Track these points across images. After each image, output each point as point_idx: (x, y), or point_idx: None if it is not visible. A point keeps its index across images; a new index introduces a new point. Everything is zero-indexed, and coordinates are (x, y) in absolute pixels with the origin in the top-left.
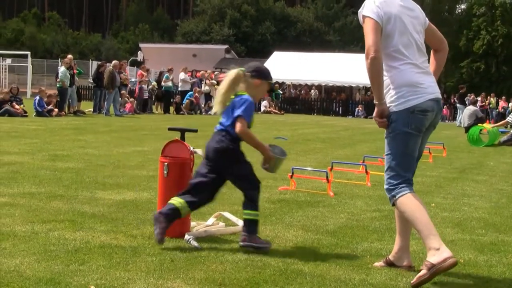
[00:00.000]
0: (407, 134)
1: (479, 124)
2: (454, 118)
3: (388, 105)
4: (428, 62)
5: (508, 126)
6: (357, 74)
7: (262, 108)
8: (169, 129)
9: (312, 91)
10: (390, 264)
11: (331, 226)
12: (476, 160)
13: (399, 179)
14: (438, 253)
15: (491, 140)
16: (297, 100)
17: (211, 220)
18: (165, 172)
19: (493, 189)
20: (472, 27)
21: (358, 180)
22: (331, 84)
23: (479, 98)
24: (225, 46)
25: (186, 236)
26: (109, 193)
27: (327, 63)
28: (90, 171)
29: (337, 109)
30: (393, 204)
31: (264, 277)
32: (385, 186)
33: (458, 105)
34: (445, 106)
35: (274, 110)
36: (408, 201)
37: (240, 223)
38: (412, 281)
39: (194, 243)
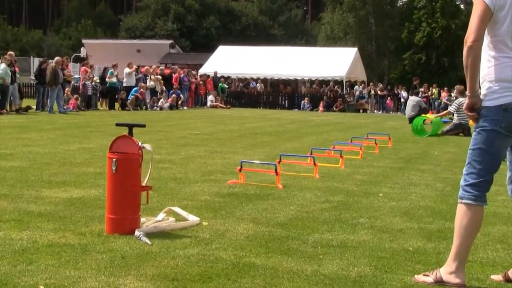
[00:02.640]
0: (495, 133)
1: (422, 115)
2: (398, 109)
3: (481, 98)
4: None
5: (451, 116)
6: (303, 67)
7: (209, 103)
8: (117, 124)
9: (258, 84)
10: (508, 280)
11: (282, 219)
12: (421, 150)
13: (476, 180)
14: (454, 275)
15: (434, 130)
16: (243, 94)
17: (161, 216)
18: (114, 168)
19: (438, 178)
20: (414, 20)
21: (306, 172)
22: (276, 78)
23: (421, 89)
24: (170, 41)
25: (136, 233)
26: (56, 191)
27: (273, 56)
28: (35, 169)
29: (283, 102)
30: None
31: (216, 271)
32: (461, 182)
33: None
34: (388, 97)
35: (220, 105)
36: (469, 214)
37: (191, 217)
38: (414, 278)
39: (145, 239)
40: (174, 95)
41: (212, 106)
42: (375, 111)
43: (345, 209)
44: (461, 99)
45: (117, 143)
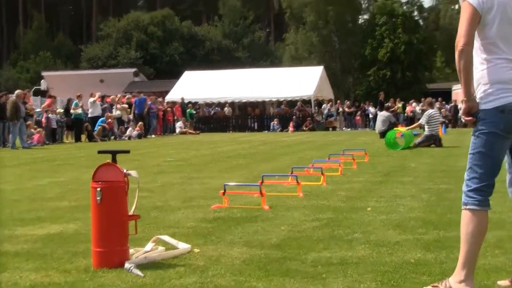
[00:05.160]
0: (494, 135)
1: (394, 128)
2: (366, 125)
3: (478, 101)
4: None
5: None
6: (270, 89)
7: (178, 130)
8: (99, 152)
9: (226, 108)
10: None
11: (275, 240)
12: (398, 163)
13: (479, 184)
14: (464, 283)
15: (407, 143)
16: (212, 118)
17: (149, 245)
18: (98, 198)
19: (421, 189)
20: (376, 36)
21: (289, 191)
22: (244, 100)
23: (388, 103)
24: (133, 69)
25: (127, 265)
26: (31, 229)
27: (239, 79)
28: (4, 207)
29: (252, 124)
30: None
31: None
32: (463, 188)
33: (378, 112)
34: (357, 113)
35: (189, 131)
36: (474, 220)
37: (181, 245)
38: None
39: (137, 271)
40: (141, 123)
41: (182, 133)
42: (344, 128)
43: (336, 226)
44: (430, 111)
45: (101, 171)
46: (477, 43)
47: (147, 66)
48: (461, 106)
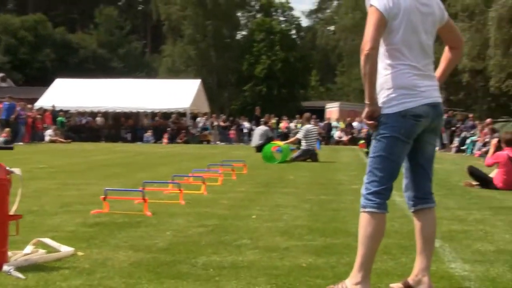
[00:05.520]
0: (395, 139)
1: (271, 142)
2: (241, 140)
3: (380, 106)
4: (434, 63)
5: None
6: (145, 100)
7: (47, 137)
8: None
9: (98, 118)
10: (408, 287)
11: (161, 244)
12: (277, 175)
13: (378, 187)
14: (360, 285)
15: (284, 156)
16: (83, 127)
17: (29, 248)
18: None
19: (302, 200)
20: (254, 52)
21: (170, 199)
22: (118, 110)
23: (263, 119)
24: (1, 74)
25: (5, 267)
26: None
27: (114, 89)
28: None
29: (125, 135)
30: (361, 212)
31: None
32: (362, 191)
33: (253, 127)
34: (231, 127)
35: (60, 139)
36: (372, 222)
37: (63, 248)
38: None
39: (17, 274)
40: (8, 129)
41: (51, 141)
42: (218, 142)
43: (223, 232)
44: (308, 126)
45: None
46: (381, 49)
47: (16, 71)
48: (335, 124)
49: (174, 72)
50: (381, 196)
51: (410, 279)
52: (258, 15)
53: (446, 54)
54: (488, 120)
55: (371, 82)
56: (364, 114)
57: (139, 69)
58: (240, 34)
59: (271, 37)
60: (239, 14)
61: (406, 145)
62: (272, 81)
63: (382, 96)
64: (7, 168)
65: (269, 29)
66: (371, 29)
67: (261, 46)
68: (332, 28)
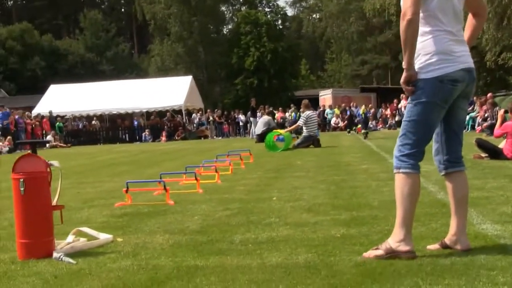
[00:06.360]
0: (432, 104)
1: (273, 131)
2: (237, 133)
3: (416, 71)
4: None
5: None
6: (139, 100)
7: (48, 144)
8: (19, 143)
9: (94, 122)
10: (445, 247)
11: (194, 227)
12: (284, 162)
13: (412, 150)
14: (404, 243)
15: (286, 144)
16: (81, 131)
17: (70, 238)
18: (22, 189)
19: (316, 181)
20: (242, 45)
21: (188, 189)
22: (114, 112)
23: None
24: None
25: (55, 254)
26: None
27: (108, 91)
28: None
29: (123, 136)
30: (395, 173)
31: (164, 276)
32: (395, 153)
33: (251, 118)
34: (225, 122)
35: (60, 144)
36: (409, 182)
37: (102, 236)
38: (363, 255)
39: (67, 259)
40: (9, 137)
41: (52, 146)
42: (215, 137)
43: (250, 213)
44: (308, 112)
45: (21, 162)
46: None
47: (8, 81)
48: (329, 111)
49: (164, 71)
50: (414, 157)
51: (447, 239)
52: (243, 8)
53: (470, 21)
54: (489, 94)
55: (413, 47)
56: (402, 80)
57: (128, 71)
58: (227, 28)
59: (257, 29)
60: (223, 8)
61: (442, 110)
62: (262, 73)
63: (419, 62)
64: (47, 161)
65: (255, 21)
66: None
67: (248, 39)
68: (317, 16)
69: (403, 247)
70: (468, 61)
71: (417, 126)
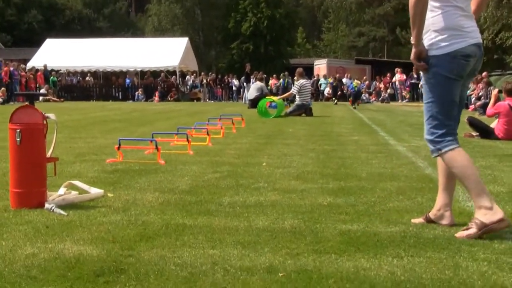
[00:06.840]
0: (449, 80)
1: (266, 97)
2: (230, 98)
3: (426, 47)
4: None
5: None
6: (134, 59)
7: (41, 97)
8: (16, 94)
9: (87, 78)
10: (429, 221)
11: (184, 187)
12: (275, 128)
13: (444, 129)
14: (491, 212)
15: (279, 111)
16: (75, 87)
17: (62, 190)
18: (18, 139)
19: (306, 149)
20: (239, 10)
21: (178, 150)
22: (108, 70)
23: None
24: None
25: (47, 205)
26: None
27: (103, 48)
28: None
29: (116, 94)
30: (436, 156)
31: (152, 232)
32: (428, 137)
33: (244, 83)
34: (219, 86)
35: (53, 98)
36: (458, 156)
37: (93, 190)
38: (456, 235)
39: (59, 210)
40: (3, 88)
41: (45, 100)
42: (208, 100)
43: (239, 177)
44: (301, 81)
45: (18, 113)
46: None
47: (4, 33)
48: (324, 81)
49: (160, 31)
50: (449, 134)
51: (432, 214)
52: None
53: None
54: (484, 73)
55: (420, 23)
56: (412, 56)
57: (124, 29)
58: None
59: None
60: None
61: (458, 83)
62: (258, 39)
63: (429, 37)
64: (43, 114)
65: None
66: None
67: (246, 4)
68: None
69: (494, 216)
70: (477, 36)
71: (440, 105)
